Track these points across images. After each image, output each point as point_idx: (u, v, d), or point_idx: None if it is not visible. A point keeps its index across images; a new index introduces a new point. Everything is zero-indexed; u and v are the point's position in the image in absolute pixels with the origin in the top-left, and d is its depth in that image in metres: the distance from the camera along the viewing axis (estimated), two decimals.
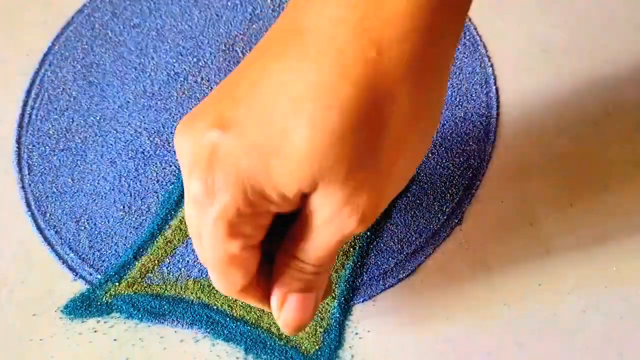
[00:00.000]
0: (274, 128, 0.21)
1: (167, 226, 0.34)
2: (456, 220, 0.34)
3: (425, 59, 0.22)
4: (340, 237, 0.23)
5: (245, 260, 0.24)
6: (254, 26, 0.39)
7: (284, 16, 0.23)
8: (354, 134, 0.21)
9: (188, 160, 0.23)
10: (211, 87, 0.38)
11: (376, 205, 0.23)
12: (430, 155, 0.35)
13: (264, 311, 0.32)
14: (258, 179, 0.22)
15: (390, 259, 0.33)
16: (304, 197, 0.23)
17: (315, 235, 0.23)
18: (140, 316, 0.32)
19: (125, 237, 0.34)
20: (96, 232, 0.35)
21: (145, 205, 0.35)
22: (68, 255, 0.34)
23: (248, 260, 0.24)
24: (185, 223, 0.34)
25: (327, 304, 0.32)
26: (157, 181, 0.35)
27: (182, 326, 0.32)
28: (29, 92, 0.38)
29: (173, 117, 0.37)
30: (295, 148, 0.21)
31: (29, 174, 0.36)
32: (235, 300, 0.32)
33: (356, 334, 0.32)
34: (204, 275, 0.33)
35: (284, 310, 0.25)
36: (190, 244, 0.34)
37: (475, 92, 0.37)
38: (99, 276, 0.33)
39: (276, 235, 0.25)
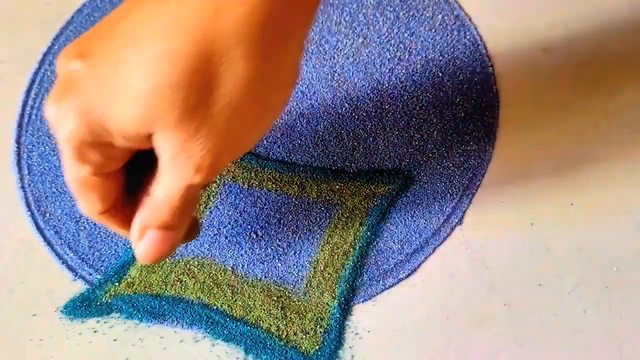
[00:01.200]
0: (119, 66, 0.22)
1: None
2: (456, 220, 0.34)
3: (266, 26, 0.22)
4: (182, 185, 0.24)
5: (98, 185, 0.25)
6: None
7: None
8: (186, 83, 0.22)
9: (55, 85, 0.25)
10: None
11: (211, 158, 0.24)
12: (430, 155, 0.35)
13: (264, 311, 0.32)
14: (100, 111, 0.23)
15: (390, 259, 0.33)
16: (149, 140, 0.24)
17: (162, 178, 0.25)
18: (140, 316, 0.32)
19: (125, 237, 0.34)
20: (96, 232, 0.34)
21: None
22: (68, 255, 0.34)
23: (102, 186, 0.25)
24: None
25: (327, 304, 0.32)
26: None
27: (182, 326, 0.32)
28: (28, 91, 0.38)
29: None
30: (132, 88, 0.22)
31: (28, 174, 0.36)
32: (235, 300, 0.32)
33: (356, 334, 0.32)
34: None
35: (141, 243, 0.27)
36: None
37: (476, 92, 0.37)
38: (98, 276, 0.33)
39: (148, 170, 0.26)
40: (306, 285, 0.33)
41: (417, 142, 0.36)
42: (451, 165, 0.35)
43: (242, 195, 0.35)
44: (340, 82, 0.38)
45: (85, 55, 0.24)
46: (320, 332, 0.32)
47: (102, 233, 0.34)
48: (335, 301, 0.32)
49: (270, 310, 0.32)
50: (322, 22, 0.40)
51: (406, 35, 0.39)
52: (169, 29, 0.22)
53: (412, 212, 0.34)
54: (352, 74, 0.38)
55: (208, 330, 0.32)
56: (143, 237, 0.27)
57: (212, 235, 0.34)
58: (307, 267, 0.33)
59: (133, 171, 0.27)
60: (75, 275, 0.34)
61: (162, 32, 0.22)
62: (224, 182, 0.35)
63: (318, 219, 0.34)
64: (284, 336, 0.32)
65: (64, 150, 0.25)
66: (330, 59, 0.38)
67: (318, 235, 0.34)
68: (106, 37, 0.24)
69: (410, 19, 0.39)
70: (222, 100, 0.23)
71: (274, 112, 0.25)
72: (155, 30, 0.22)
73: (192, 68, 0.22)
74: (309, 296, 0.32)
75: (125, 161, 0.26)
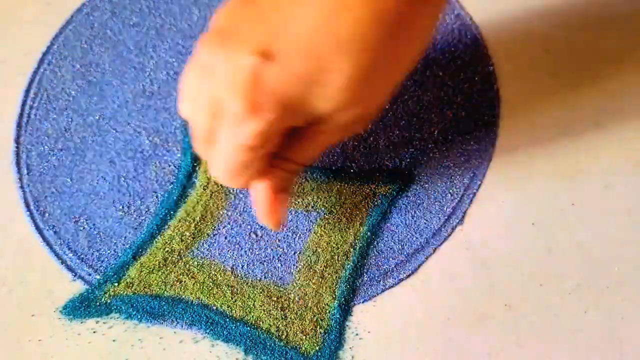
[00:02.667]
0: (316, 62, 0.25)
1: (167, 226, 0.34)
2: (457, 220, 0.34)
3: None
4: (348, 134, 0.30)
5: (261, 163, 0.28)
6: None
7: None
8: (377, 68, 0.26)
9: (228, 81, 0.26)
10: None
11: (372, 117, 0.30)
12: (431, 154, 0.35)
13: (264, 312, 0.32)
14: (298, 102, 0.26)
15: (390, 259, 0.33)
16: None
17: (321, 141, 0.29)
18: (139, 317, 0.32)
19: (124, 237, 0.34)
20: (95, 232, 0.34)
21: (145, 205, 0.35)
22: (67, 255, 0.34)
23: (262, 163, 0.29)
24: (185, 225, 0.34)
25: (327, 304, 0.32)
26: (157, 181, 0.35)
27: (182, 327, 0.32)
28: (27, 91, 0.38)
29: (172, 116, 0.37)
30: (336, 79, 0.25)
31: (27, 173, 0.36)
32: (235, 301, 0.32)
33: (356, 334, 0.32)
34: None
35: (275, 210, 0.30)
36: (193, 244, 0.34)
37: (476, 92, 0.37)
38: (98, 276, 0.33)
39: None
40: (306, 285, 0.33)
41: (417, 142, 0.36)
42: (452, 164, 0.35)
43: (241, 196, 0.35)
44: None
45: (270, 54, 0.25)
46: (321, 333, 0.32)
47: (101, 233, 0.34)
48: (335, 301, 0.32)
49: (270, 310, 0.32)
50: None
51: None
52: (363, 21, 0.25)
53: (413, 212, 0.34)
54: None
55: (208, 331, 0.32)
56: (279, 203, 0.30)
57: (212, 236, 0.34)
58: (307, 267, 0.33)
59: None
60: (75, 276, 0.33)
61: (355, 26, 0.25)
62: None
63: (318, 219, 0.34)
64: (283, 337, 0.32)
65: (253, 139, 0.27)
66: None
67: (318, 235, 0.34)
68: (284, 33, 0.25)
69: None
70: (395, 58, 0.27)
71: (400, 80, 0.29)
72: (347, 25, 0.25)
73: (383, 54, 0.26)
74: (309, 297, 0.32)
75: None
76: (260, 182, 0.30)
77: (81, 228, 0.35)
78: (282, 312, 0.32)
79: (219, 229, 0.34)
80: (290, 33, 0.25)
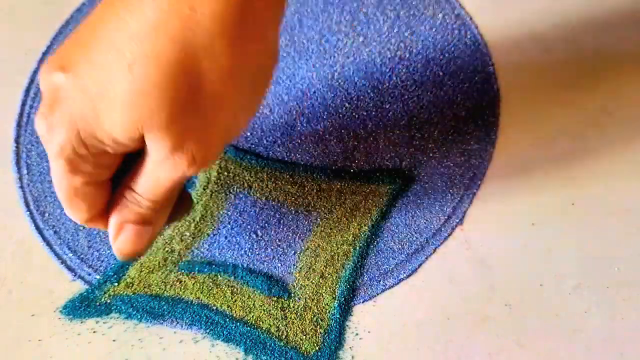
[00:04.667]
0: (102, 73, 0.23)
1: (167, 226, 0.34)
2: (457, 220, 0.34)
3: (242, 17, 0.23)
4: (173, 178, 0.25)
5: (89, 194, 0.26)
6: None
7: None
8: (171, 84, 0.23)
9: (42, 99, 0.25)
10: None
11: (205, 151, 0.25)
12: (431, 154, 0.35)
13: (264, 312, 0.32)
14: (89, 121, 0.23)
15: (390, 259, 0.33)
16: (141, 140, 0.24)
17: (151, 172, 0.25)
18: (139, 316, 0.32)
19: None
20: (95, 232, 0.34)
21: None
22: (67, 255, 0.34)
23: (93, 195, 0.26)
24: (185, 225, 0.34)
25: (327, 304, 0.32)
26: None
27: (182, 327, 0.32)
28: (27, 91, 0.38)
29: None
30: (117, 94, 0.23)
31: (27, 173, 0.36)
32: (235, 301, 0.32)
33: (356, 334, 0.32)
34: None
35: (120, 238, 0.28)
36: (194, 242, 0.34)
37: (476, 92, 0.37)
38: (98, 276, 0.33)
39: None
40: (306, 285, 0.33)
41: (417, 142, 0.36)
42: (452, 164, 0.35)
43: (241, 195, 0.35)
44: (340, 81, 0.38)
45: (66, 67, 0.24)
46: (320, 333, 0.32)
47: (101, 233, 0.34)
48: (335, 301, 0.32)
49: (270, 310, 0.32)
50: (322, 21, 0.39)
51: (407, 34, 0.39)
52: (147, 31, 0.22)
53: (413, 212, 0.34)
54: (353, 73, 0.38)
55: (208, 331, 0.32)
56: (121, 233, 0.27)
57: (212, 236, 0.34)
58: (307, 267, 0.33)
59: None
60: (75, 276, 0.33)
61: (140, 35, 0.22)
62: (224, 181, 0.35)
63: (318, 219, 0.34)
64: (283, 337, 0.31)
65: (56, 163, 0.25)
66: (331, 58, 0.38)
67: (318, 235, 0.34)
68: (85, 45, 0.24)
69: (411, 18, 0.39)
70: (208, 93, 0.23)
71: (258, 97, 0.26)
72: (134, 34, 0.22)
73: (176, 67, 0.22)
74: (309, 297, 0.32)
75: (115, 168, 0.26)
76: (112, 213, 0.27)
77: (81, 228, 0.35)
78: (282, 312, 0.32)
79: (219, 229, 0.34)
80: (91, 43, 0.24)
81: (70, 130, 0.24)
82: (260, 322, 0.32)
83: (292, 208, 0.34)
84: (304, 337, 0.31)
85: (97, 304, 0.33)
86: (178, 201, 0.29)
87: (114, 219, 0.27)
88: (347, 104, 0.37)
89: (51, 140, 0.24)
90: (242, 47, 0.23)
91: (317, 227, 0.34)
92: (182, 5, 0.22)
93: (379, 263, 0.33)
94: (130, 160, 0.26)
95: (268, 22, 0.24)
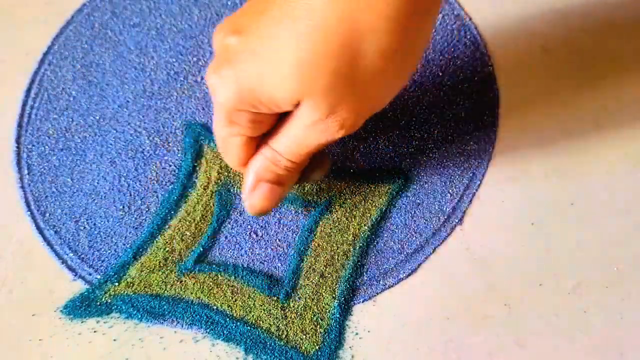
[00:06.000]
0: (272, 40, 0.25)
1: (167, 226, 0.34)
2: (456, 220, 0.34)
3: (406, 5, 0.25)
4: (322, 140, 0.28)
5: (241, 145, 0.29)
6: None
7: None
8: (335, 56, 0.25)
9: (214, 56, 0.28)
10: None
11: (354, 118, 0.27)
12: (430, 154, 0.35)
13: (264, 311, 0.32)
14: (253, 82, 0.26)
15: (390, 259, 0.33)
16: (296, 104, 0.26)
17: (298, 135, 0.28)
18: (139, 316, 0.32)
19: (125, 237, 0.34)
20: (96, 232, 0.34)
21: (145, 205, 0.35)
22: (67, 255, 0.34)
23: (243, 148, 0.29)
24: (185, 224, 0.34)
25: (327, 304, 0.32)
26: (157, 181, 0.35)
27: (182, 326, 0.32)
28: (28, 91, 0.38)
29: (173, 116, 0.37)
30: (285, 61, 0.25)
31: (28, 173, 0.36)
32: (235, 300, 0.32)
33: (356, 334, 0.32)
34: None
35: (253, 195, 0.30)
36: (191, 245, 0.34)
37: (476, 92, 0.37)
38: (98, 276, 0.33)
39: None
40: (306, 285, 0.33)
41: (417, 142, 0.36)
42: (451, 164, 0.35)
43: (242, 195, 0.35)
44: None
45: (240, 31, 0.26)
46: (320, 332, 0.32)
47: (101, 233, 0.34)
48: (335, 301, 0.32)
49: (270, 310, 0.32)
50: None
51: None
52: (321, 6, 0.24)
53: (412, 212, 0.34)
54: None
55: (208, 330, 0.32)
56: (256, 189, 0.30)
57: (212, 235, 0.34)
58: (307, 267, 0.33)
59: None
60: (75, 275, 0.34)
61: (312, 9, 0.24)
62: (224, 181, 0.35)
63: (318, 219, 0.34)
64: (283, 336, 0.32)
65: (218, 113, 0.28)
66: None
67: (318, 235, 0.34)
68: (259, 13, 0.26)
69: None
70: (366, 68, 0.25)
71: (405, 77, 0.28)
72: (305, 7, 0.24)
73: (342, 40, 0.24)
74: (309, 296, 0.32)
75: (269, 128, 0.29)
76: (248, 165, 0.30)
77: (82, 228, 0.35)
78: (282, 312, 0.32)
79: (220, 229, 0.34)
80: (265, 12, 0.26)
81: (234, 86, 0.26)
82: (261, 322, 0.32)
83: (292, 208, 0.35)
84: (304, 336, 0.31)
85: (98, 303, 0.33)
86: (315, 161, 0.31)
87: (251, 175, 0.30)
88: None
89: (217, 92, 0.27)
90: (403, 33, 0.25)
91: (317, 227, 0.34)
92: None
93: (379, 263, 0.33)
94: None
95: (428, 15, 0.27)
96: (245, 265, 0.33)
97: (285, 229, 0.34)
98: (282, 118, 0.29)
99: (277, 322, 0.32)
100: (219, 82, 0.27)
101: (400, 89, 0.28)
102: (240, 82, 0.26)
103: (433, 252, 0.33)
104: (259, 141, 0.30)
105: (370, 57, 0.25)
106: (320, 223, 0.34)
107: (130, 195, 0.35)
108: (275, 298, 0.32)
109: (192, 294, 0.33)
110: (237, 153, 0.30)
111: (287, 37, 0.25)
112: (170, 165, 0.36)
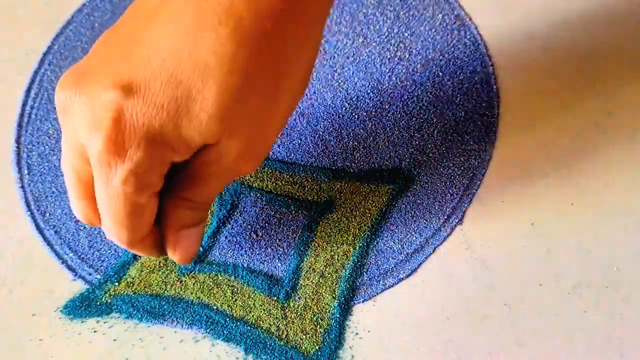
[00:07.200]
0: (180, 90, 0.24)
1: None
2: (456, 220, 0.34)
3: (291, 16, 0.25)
4: (234, 179, 0.28)
5: (148, 208, 0.26)
6: None
7: None
8: (251, 94, 0.24)
9: (86, 120, 0.24)
10: None
11: (266, 151, 0.28)
12: (430, 154, 0.35)
13: (264, 311, 0.32)
14: (168, 136, 0.24)
15: (390, 259, 0.33)
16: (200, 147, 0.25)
17: (213, 179, 0.27)
18: (139, 316, 0.32)
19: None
20: (96, 231, 0.34)
21: None
22: (67, 255, 0.34)
23: (151, 209, 0.26)
24: None
25: (327, 304, 0.32)
26: None
27: (182, 326, 0.32)
28: (28, 91, 0.38)
29: None
30: (203, 108, 0.24)
31: (28, 173, 0.36)
32: (235, 300, 0.32)
33: (356, 334, 0.32)
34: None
35: (181, 246, 0.28)
36: None
37: (476, 92, 0.37)
38: (98, 276, 0.33)
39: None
40: (306, 285, 0.33)
41: (417, 142, 0.36)
42: (451, 165, 0.35)
43: (242, 195, 0.35)
44: (340, 81, 0.38)
45: (129, 86, 0.24)
46: (320, 332, 0.32)
47: (101, 233, 0.34)
48: (335, 301, 0.32)
49: (270, 310, 0.32)
50: None
51: (406, 34, 0.39)
52: (230, 45, 0.24)
53: (412, 212, 0.34)
54: (352, 73, 0.38)
55: (208, 330, 0.32)
56: (181, 241, 0.28)
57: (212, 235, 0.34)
58: (307, 267, 0.33)
59: None
60: (75, 275, 0.34)
61: (220, 52, 0.23)
62: None
63: (318, 219, 0.34)
64: (284, 336, 0.32)
65: (126, 182, 0.24)
66: (331, 58, 0.38)
67: (318, 235, 0.34)
68: (142, 62, 0.24)
69: (411, 18, 0.39)
70: (267, 95, 0.25)
71: (302, 92, 0.28)
72: (211, 51, 0.23)
73: (257, 76, 0.24)
74: (309, 296, 0.32)
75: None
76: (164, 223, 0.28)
77: (82, 228, 0.35)
78: (282, 312, 0.32)
79: (220, 229, 0.34)
80: (151, 62, 0.24)
81: (148, 146, 0.24)
82: (261, 322, 0.32)
83: (293, 208, 0.35)
84: (304, 336, 0.32)
85: (98, 303, 0.33)
86: None
87: (170, 233, 0.28)
88: (346, 104, 0.37)
89: (124, 160, 0.24)
90: (298, 48, 0.25)
91: (317, 227, 0.34)
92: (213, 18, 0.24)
93: (379, 263, 0.33)
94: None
95: (316, 19, 0.26)
96: (245, 265, 0.33)
97: (285, 229, 0.34)
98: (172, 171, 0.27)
99: (277, 322, 0.32)
100: (127, 146, 0.24)
101: (295, 106, 0.28)
102: (153, 136, 0.24)
103: (433, 252, 0.33)
104: (156, 200, 0.27)
105: (265, 84, 0.25)
106: (320, 223, 0.34)
107: None
108: (275, 298, 0.32)
109: (192, 294, 0.33)
110: (148, 217, 0.27)
111: (200, 85, 0.24)
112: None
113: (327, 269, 0.33)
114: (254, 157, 0.27)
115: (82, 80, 0.25)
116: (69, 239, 0.34)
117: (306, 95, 0.37)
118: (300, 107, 0.37)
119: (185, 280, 0.33)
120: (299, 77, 0.27)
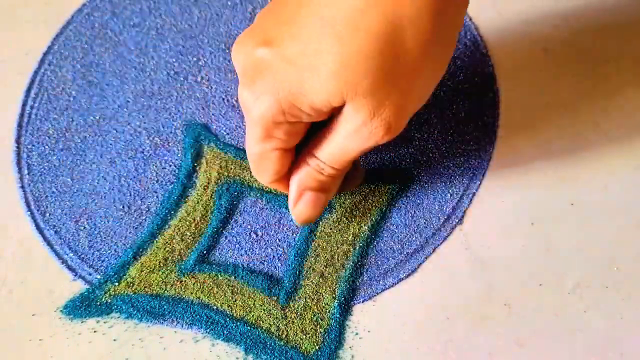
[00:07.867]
0: (309, 46, 0.25)
1: (167, 226, 0.34)
2: (456, 220, 0.34)
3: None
4: (366, 146, 0.27)
5: (276, 159, 0.28)
6: None
7: None
8: (378, 54, 0.24)
9: (240, 72, 0.27)
10: (211, 87, 0.38)
11: (399, 119, 0.26)
12: (430, 154, 0.35)
13: (264, 311, 0.32)
14: (292, 91, 0.25)
15: (390, 259, 0.33)
16: (335, 109, 0.26)
17: (342, 142, 0.27)
18: (139, 316, 0.32)
19: (125, 237, 0.34)
20: (96, 231, 0.34)
21: (145, 205, 0.35)
22: (67, 255, 0.34)
23: (280, 160, 0.29)
24: (185, 224, 0.34)
25: (327, 304, 0.32)
26: (157, 181, 0.35)
27: (182, 326, 0.32)
28: (28, 91, 0.38)
29: (173, 116, 0.37)
30: (326, 64, 0.25)
31: (28, 173, 0.36)
32: (235, 300, 0.32)
33: (356, 334, 0.32)
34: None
35: (299, 204, 0.30)
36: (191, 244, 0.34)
37: (476, 92, 0.37)
38: (98, 276, 0.33)
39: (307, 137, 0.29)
40: (306, 285, 0.33)
41: (417, 142, 0.36)
42: (451, 165, 0.35)
43: (242, 195, 0.35)
44: None
45: (271, 42, 0.26)
46: (320, 332, 0.32)
47: (101, 233, 0.34)
48: (335, 301, 0.32)
49: (270, 310, 0.32)
50: None
51: None
52: (361, 6, 0.24)
53: (412, 212, 0.34)
54: None
55: (208, 330, 0.32)
56: (301, 199, 0.30)
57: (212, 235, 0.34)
58: (307, 267, 0.33)
59: None
60: (75, 275, 0.34)
61: (353, 10, 0.24)
62: (224, 181, 0.35)
63: (318, 219, 0.34)
64: (284, 336, 0.32)
65: (254, 129, 0.27)
66: None
67: (318, 235, 0.34)
68: (285, 22, 0.26)
69: None
70: (407, 62, 0.25)
71: (445, 65, 0.28)
72: (341, 8, 0.24)
73: (385, 38, 0.24)
74: (309, 296, 0.32)
75: (302, 137, 0.28)
76: (292, 176, 0.30)
77: (82, 228, 0.35)
78: (282, 312, 0.32)
79: (219, 229, 0.34)
80: (293, 23, 0.26)
81: (273, 98, 0.26)
82: (261, 322, 0.32)
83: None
84: (304, 336, 0.32)
85: (98, 303, 0.33)
86: (350, 172, 0.31)
87: (295, 185, 0.30)
88: None
89: (253, 107, 0.27)
90: (441, 19, 0.25)
91: (317, 227, 0.34)
92: None
93: (379, 263, 0.33)
94: (312, 129, 0.29)
95: (458, 4, 0.27)
96: (245, 265, 0.33)
97: (285, 229, 0.34)
98: (318, 126, 0.28)
99: (277, 322, 0.32)
100: (254, 97, 0.26)
101: (438, 81, 0.28)
102: (279, 93, 0.26)
103: (433, 252, 0.33)
104: (293, 153, 0.29)
105: (411, 49, 0.25)
106: (320, 223, 0.34)
107: (130, 195, 0.35)
108: (275, 298, 0.32)
109: (192, 294, 0.33)
110: (273, 167, 0.29)
111: (327, 41, 0.24)
112: (170, 165, 0.36)
113: (327, 269, 0.33)
114: (384, 128, 0.26)
115: (243, 40, 0.27)
116: (69, 239, 0.34)
117: None
118: None
119: (185, 280, 0.33)
120: (438, 48, 0.26)
